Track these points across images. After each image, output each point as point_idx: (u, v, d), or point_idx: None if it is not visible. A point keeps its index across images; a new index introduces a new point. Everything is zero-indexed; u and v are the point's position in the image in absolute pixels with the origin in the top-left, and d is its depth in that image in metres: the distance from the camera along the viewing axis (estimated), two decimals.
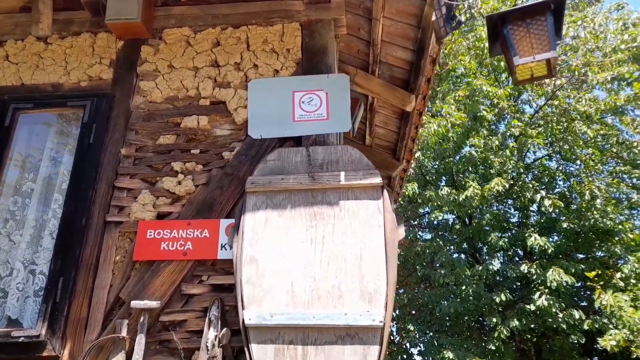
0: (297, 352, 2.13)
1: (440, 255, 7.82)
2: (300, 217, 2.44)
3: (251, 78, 2.91)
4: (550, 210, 8.03)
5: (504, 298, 7.35)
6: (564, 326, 7.33)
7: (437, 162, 9.73)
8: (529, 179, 9.14)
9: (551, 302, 7.20)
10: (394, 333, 9.47)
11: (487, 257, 9.00)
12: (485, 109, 9.05)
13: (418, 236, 9.44)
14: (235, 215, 2.47)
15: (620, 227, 8.36)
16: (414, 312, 9.03)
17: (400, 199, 9.03)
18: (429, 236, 9.59)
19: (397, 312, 9.03)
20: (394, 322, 9.50)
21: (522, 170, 9.01)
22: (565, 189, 9.56)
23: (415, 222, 9.99)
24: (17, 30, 3.10)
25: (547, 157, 10.26)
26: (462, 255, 8.18)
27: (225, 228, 2.52)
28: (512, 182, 8.39)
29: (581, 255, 8.79)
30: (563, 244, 8.32)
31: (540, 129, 9.29)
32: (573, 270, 7.51)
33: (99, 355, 2.23)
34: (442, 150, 9.29)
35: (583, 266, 7.83)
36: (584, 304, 8.43)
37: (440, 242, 8.49)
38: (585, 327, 7.18)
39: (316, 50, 2.98)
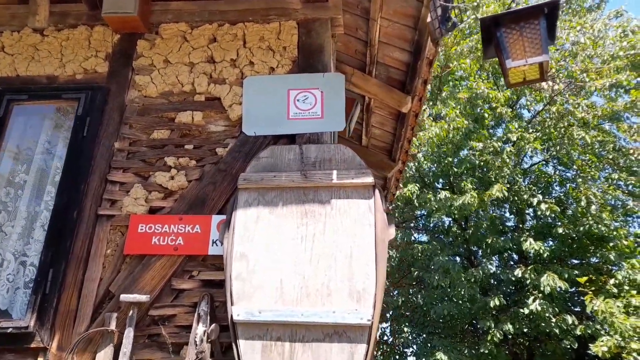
0: (285, 348, 2.14)
1: (436, 260, 7.83)
2: (291, 215, 2.44)
3: (247, 75, 2.91)
4: (547, 214, 8.05)
5: (497, 302, 7.37)
6: (557, 331, 7.35)
7: (435, 165, 9.75)
8: (526, 183, 9.16)
9: (544, 307, 7.21)
10: (388, 334, 9.49)
11: (482, 260, 9.01)
12: (486, 111, 9.07)
13: (414, 238, 9.45)
14: (227, 211, 2.47)
15: (615, 233, 8.38)
16: (407, 313, 9.04)
17: (397, 201, 9.06)
18: (425, 238, 9.60)
19: (391, 313, 9.04)
20: (388, 323, 9.51)
21: (519, 175, 9.04)
22: (562, 194, 9.58)
23: (412, 224, 10.00)
24: (13, 22, 3.10)
25: (544, 162, 10.28)
26: (458, 258, 8.19)
27: (217, 224, 2.52)
28: (508, 186, 8.40)
29: (575, 261, 8.81)
30: (558, 249, 8.33)
31: (537, 134, 9.32)
32: (567, 276, 7.53)
33: (87, 347, 2.24)
34: (441, 152, 9.30)
35: (577, 272, 7.85)
36: (577, 309, 8.46)
37: (437, 245, 8.50)
38: (578, 332, 7.20)
39: (313, 49, 2.99)
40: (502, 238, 8.22)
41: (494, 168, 8.66)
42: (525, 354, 8.49)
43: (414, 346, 8.85)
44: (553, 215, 8.08)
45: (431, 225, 9.96)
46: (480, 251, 9.44)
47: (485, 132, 9.06)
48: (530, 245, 7.69)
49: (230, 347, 2.20)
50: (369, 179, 2.53)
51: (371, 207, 2.47)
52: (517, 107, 10.48)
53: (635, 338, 6.22)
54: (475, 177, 8.90)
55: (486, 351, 7.41)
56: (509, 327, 7.23)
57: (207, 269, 2.46)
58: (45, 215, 2.62)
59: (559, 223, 8.33)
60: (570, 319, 7.24)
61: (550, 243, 8.61)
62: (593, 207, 8.36)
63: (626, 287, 7.47)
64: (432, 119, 9.21)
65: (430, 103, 9.84)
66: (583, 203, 8.47)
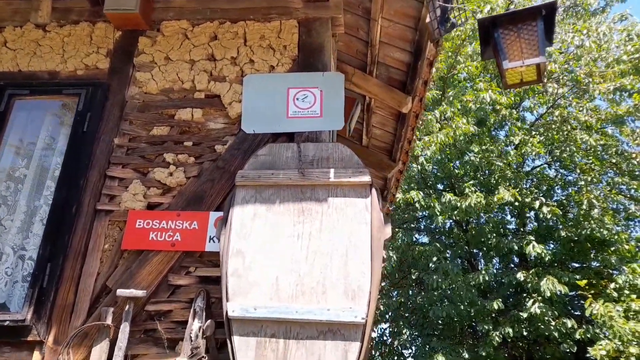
0: (279, 345, 2.15)
1: (436, 261, 7.83)
2: (288, 213, 2.45)
3: (247, 73, 2.92)
4: (549, 217, 8.03)
5: (496, 307, 7.35)
6: (556, 334, 7.33)
7: (437, 166, 9.74)
8: (527, 186, 9.15)
9: (544, 310, 7.20)
10: (387, 335, 9.48)
11: (483, 262, 9.01)
12: (490, 115, 9.07)
13: (415, 239, 9.45)
14: (224, 208, 2.48)
15: (616, 237, 8.36)
16: (407, 314, 9.04)
17: (399, 202, 9.05)
18: (426, 239, 9.60)
19: (391, 314, 9.03)
20: (388, 324, 9.50)
21: (522, 179, 9.03)
22: (563, 198, 9.56)
23: (413, 225, 9.99)
24: (16, 17, 3.12)
25: (547, 165, 10.26)
26: (459, 260, 8.18)
27: (214, 221, 2.54)
28: (507, 188, 8.39)
29: (576, 265, 8.79)
30: (559, 252, 8.32)
31: (540, 137, 9.30)
32: (567, 280, 7.51)
33: (83, 341, 2.25)
34: (444, 155, 9.30)
35: (578, 275, 7.83)
36: (577, 313, 8.44)
37: (439, 245, 8.50)
38: (577, 336, 7.19)
39: (313, 48, 3.00)
40: (504, 240, 8.20)
41: (497, 171, 8.65)
42: (525, 356, 8.47)
43: (413, 348, 8.85)
44: (555, 218, 8.06)
45: (432, 226, 9.95)
46: (481, 253, 9.43)
47: (487, 137, 9.06)
48: (534, 248, 7.68)
49: (226, 344, 2.21)
50: (366, 178, 2.53)
51: (367, 205, 2.48)
52: (520, 110, 10.46)
53: (634, 342, 6.20)
54: (477, 180, 8.89)
55: (485, 354, 7.39)
56: (508, 330, 7.21)
57: (204, 265, 2.47)
58: (44, 210, 2.64)
59: (561, 226, 8.31)
60: (569, 322, 7.23)
61: (552, 246, 8.60)
62: (595, 210, 8.34)
63: (626, 292, 7.45)
64: (437, 120, 9.21)
65: (432, 102, 9.83)
66: (585, 206, 8.46)
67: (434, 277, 7.74)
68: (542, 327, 7.28)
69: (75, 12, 3.13)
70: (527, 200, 8.21)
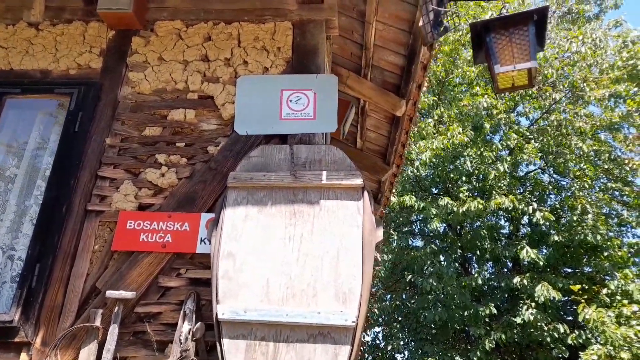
0: (269, 348, 2.14)
1: (430, 265, 7.84)
2: (280, 215, 2.44)
3: (240, 74, 2.92)
4: (541, 222, 8.07)
5: (488, 312, 7.37)
6: (549, 340, 7.35)
7: (431, 170, 9.77)
8: (521, 191, 9.20)
9: (537, 317, 7.22)
10: (380, 338, 9.47)
11: (476, 266, 9.03)
12: (486, 120, 9.11)
13: (410, 242, 9.46)
14: (216, 209, 2.47)
15: (609, 243, 8.41)
16: (400, 318, 9.04)
17: (394, 206, 9.06)
18: (420, 243, 9.61)
19: (384, 317, 9.02)
20: (381, 327, 9.49)
21: (515, 185, 9.07)
22: (557, 203, 9.61)
23: (407, 229, 10.01)
24: (8, 15, 3.10)
25: (540, 170, 10.32)
26: (452, 264, 8.19)
27: (205, 222, 2.53)
28: (505, 194, 8.43)
29: (569, 270, 8.83)
30: (552, 257, 8.35)
31: (535, 143, 9.35)
32: (561, 285, 7.54)
33: (71, 343, 2.23)
34: (439, 159, 9.33)
35: (571, 280, 7.87)
36: (570, 318, 8.47)
37: (434, 247, 8.51)
38: (570, 341, 7.21)
39: (307, 50, 3.00)
40: (498, 246, 8.23)
41: (491, 176, 8.69)
42: None
43: (406, 352, 8.84)
44: (548, 223, 8.10)
45: (427, 230, 9.97)
46: (474, 257, 9.45)
47: (481, 142, 9.09)
48: (527, 253, 7.70)
49: (216, 346, 2.19)
50: (358, 181, 2.53)
51: (359, 208, 2.48)
52: (515, 115, 10.52)
53: (626, 347, 6.23)
54: (472, 185, 8.92)
55: (477, 359, 7.40)
56: (500, 335, 7.23)
57: (195, 267, 2.46)
58: (34, 210, 2.61)
59: (554, 231, 8.35)
60: (562, 327, 7.25)
61: (545, 251, 8.63)
62: (588, 216, 8.39)
63: (618, 297, 7.49)
64: (433, 124, 9.25)
65: (428, 107, 9.86)
66: (578, 211, 8.51)
67: (429, 280, 7.75)
68: (535, 332, 7.30)
69: (68, 11, 3.12)
70: (521, 205, 8.25)
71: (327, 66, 3.79)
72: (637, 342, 6.29)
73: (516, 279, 7.58)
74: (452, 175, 9.24)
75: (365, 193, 2.54)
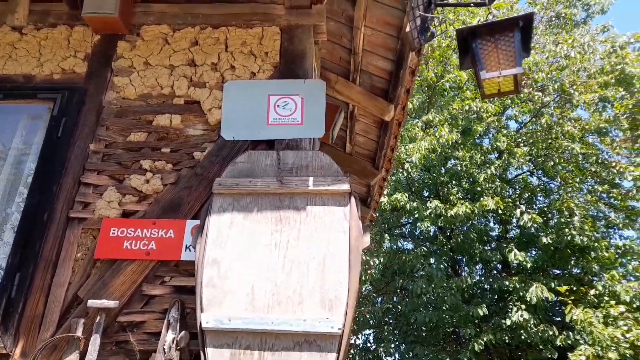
0: (254, 357, 2.12)
1: (420, 267, 7.86)
2: (266, 221, 2.43)
3: (227, 79, 2.90)
4: (529, 225, 8.14)
5: (480, 313, 7.41)
6: (538, 341, 7.41)
7: (422, 173, 9.81)
8: (510, 194, 9.27)
9: (527, 318, 7.27)
10: (371, 341, 9.47)
11: (466, 268, 9.07)
12: (475, 123, 9.18)
13: (400, 244, 9.49)
14: (201, 216, 2.45)
15: (596, 244, 8.51)
16: (391, 321, 9.05)
17: (384, 208, 9.08)
18: (410, 246, 9.64)
19: (375, 320, 9.03)
20: (372, 330, 9.49)
21: (504, 188, 9.14)
22: (545, 205, 9.70)
23: (398, 231, 10.03)
24: None
25: (529, 174, 10.42)
26: (442, 266, 8.24)
27: (191, 229, 2.50)
28: (493, 196, 8.49)
29: (557, 271, 8.91)
30: (541, 259, 8.43)
31: (524, 147, 9.44)
32: (553, 285, 7.61)
33: (52, 354, 2.19)
34: (429, 161, 9.37)
35: (559, 282, 7.93)
36: (558, 319, 8.54)
37: (423, 249, 8.54)
38: (558, 342, 7.27)
39: (295, 55, 2.99)
40: (487, 248, 8.28)
41: (479, 179, 8.76)
42: None
43: (396, 354, 8.85)
44: (536, 225, 8.18)
45: (417, 232, 10.01)
46: (464, 260, 9.51)
47: (471, 145, 9.16)
48: (515, 256, 7.77)
49: (200, 356, 2.17)
50: (345, 187, 2.52)
51: (346, 214, 2.47)
52: (504, 119, 10.61)
53: (613, 348, 6.30)
54: (462, 187, 8.98)
55: None
56: (490, 337, 7.26)
57: (180, 274, 2.43)
58: (16, 217, 2.56)
59: (542, 234, 8.43)
60: (551, 329, 7.31)
61: (533, 253, 8.70)
62: (576, 218, 8.48)
63: (606, 298, 7.57)
64: (422, 128, 9.29)
65: (417, 109, 9.90)
66: (566, 214, 8.60)
67: (419, 283, 7.77)
68: (524, 334, 7.35)
69: (53, 15, 3.08)
70: (510, 207, 8.32)
71: (316, 71, 3.79)
72: (624, 342, 6.36)
73: (507, 282, 7.63)
74: (442, 179, 9.28)
75: (352, 199, 2.54)
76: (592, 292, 7.72)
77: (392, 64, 3.77)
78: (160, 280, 2.40)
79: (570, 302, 6.70)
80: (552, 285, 7.68)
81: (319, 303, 2.23)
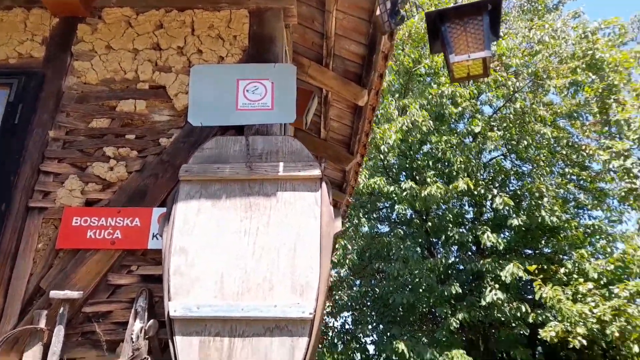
0: (224, 344, 2.10)
1: (396, 250, 7.99)
2: (234, 208, 2.39)
3: (194, 63, 2.82)
4: (501, 207, 8.34)
5: (453, 292, 7.60)
6: (511, 319, 7.66)
7: (398, 158, 9.89)
8: (484, 177, 9.45)
9: (501, 298, 7.49)
10: (350, 323, 9.62)
11: (441, 251, 9.26)
12: (451, 110, 9.28)
13: (376, 229, 9.60)
14: (167, 203, 2.40)
15: (566, 225, 8.79)
16: (369, 303, 9.20)
17: (361, 192, 9.13)
18: (387, 229, 9.77)
19: (353, 303, 9.16)
20: (350, 312, 9.63)
21: (479, 170, 9.31)
22: (518, 188, 9.93)
23: (375, 216, 10.14)
24: None
25: (502, 157, 10.63)
26: (418, 249, 8.39)
27: (157, 217, 2.45)
28: (472, 180, 8.64)
29: (529, 251, 9.19)
30: (513, 240, 8.66)
31: (498, 131, 9.60)
32: (526, 265, 7.84)
33: (14, 347, 2.13)
34: (406, 146, 9.44)
35: (531, 262, 8.18)
36: (530, 297, 8.84)
37: (400, 232, 8.68)
38: (530, 320, 7.53)
39: (264, 39, 2.92)
40: (461, 230, 8.46)
41: (456, 162, 8.89)
42: (480, 340, 8.81)
43: (374, 335, 9.02)
44: (508, 208, 8.38)
45: (393, 216, 10.14)
46: (440, 242, 9.71)
47: (447, 129, 9.27)
48: (488, 238, 7.96)
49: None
50: (316, 172, 2.51)
51: (317, 199, 2.46)
52: (479, 104, 10.75)
53: (581, 323, 6.56)
54: (438, 171, 9.11)
55: (443, 338, 7.63)
56: (465, 315, 7.47)
57: (147, 263, 2.39)
58: None
59: (514, 215, 8.65)
60: (523, 307, 7.56)
61: (506, 234, 8.93)
62: (545, 199, 8.72)
63: (575, 276, 7.86)
64: (398, 112, 9.33)
65: (397, 96, 9.94)
66: (537, 196, 8.83)
67: (396, 265, 7.89)
68: (498, 313, 7.58)
69: None
70: (483, 190, 8.49)
71: (288, 55, 3.73)
72: (592, 317, 6.64)
73: (480, 263, 7.83)
74: (419, 162, 9.38)
75: (324, 184, 2.52)
76: (562, 270, 8.00)
77: (365, 49, 3.74)
78: (127, 270, 2.36)
79: (539, 280, 6.93)
80: (525, 265, 7.92)
81: (290, 289, 2.23)
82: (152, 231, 2.41)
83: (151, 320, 2.20)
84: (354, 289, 8.74)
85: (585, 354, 8.25)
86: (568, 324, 6.69)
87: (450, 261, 8.77)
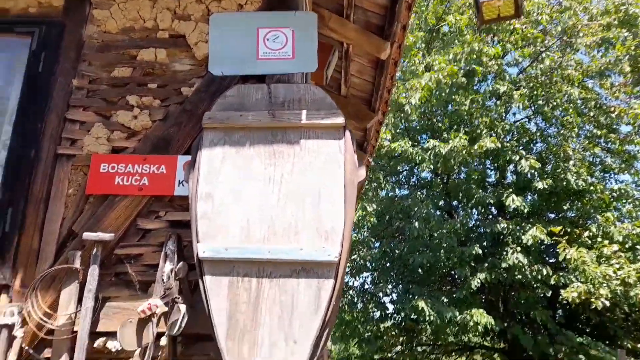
0: (252, 284, 2.15)
1: (418, 210, 7.94)
2: (258, 155, 2.39)
3: (213, 11, 2.76)
4: (527, 170, 8.16)
5: (474, 252, 7.58)
6: (532, 281, 7.62)
7: (421, 118, 9.69)
8: (508, 139, 9.22)
9: (521, 260, 7.43)
10: (369, 283, 9.77)
11: (461, 214, 9.19)
12: (477, 68, 8.99)
13: (396, 192, 9.57)
14: (192, 151, 2.40)
15: (592, 188, 8.57)
16: (388, 264, 9.28)
17: (382, 156, 9.04)
18: (407, 192, 9.72)
19: (372, 264, 9.26)
20: (369, 274, 9.76)
21: (505, 130, 9.07)
22: (543, 150, 9.68)
23: (395, 179, 10.09)
24: None
25: (527, 120, 10.32)
26: (438, 212, 8.33)
27: (182, 165, 2.47)
28: (495, 138, 8.41)
29: (552, 215, 9.04)
30: (536, 204, 8.51)
31: (524, 90, 9.27)
32: (548, 229, 7.73)
33: (51, 285, 2.22)
34: (428, 107, 9.22)
35: (554, 225, 8.04)
36: (552, 260, 8.77)
37: (420, 194, 8.64)
38: (552, 282, 7.48)
39: None
40: (483, 193, 8.33)
41: (481, 122, 8.69)
42: (500, 301, 8.85)
43: (394, 295, 9.14)
44: (533, 171, 8.20)
45: (414, 179, 10.06)
46: (460, 205, 9.62)
47: (472, 89, 8.99)
48: (513, 200, 7.82)
49: (199, 286, 2.20)
50: (339, 120, 2.47)
51: (341, 147, 2.43)
52: (504, 65, 10.35)
53: (605, 284, 6.50)
54: (461, 132, 8.93)
55: (463, 298, 7.68)
56: (485, 276, 7.47)
57: (174, 209, 2.42)
58: (3, 155, 2.51)
59: (539, 178, 8.47)
60: (545, 269, 7.50)
61: (529, 198, 8.78)
62: (571, 162, 8.49)
63: (599, 239, 7.73)
64: (421, 56, 9.09)
65: (421, 55, 9.64)
66: (563, 158, 8.59)
67: (415, 224, 7.88)
68: (519, 274, 7.55)
69: None
70: (508, 153, 8.31)
71: (307, 6, 3.61)
72: (616, 279, 6.57)
73: (502, 224, 7.75)
74: (440, 125, 9.20)
75: (347, 132, 2.49)
76: (586, 233, 7.87)
77: None
78: (155, 215, 2.40)
79: (564, 241, 6.84)
80: (547, 229, 7.80)
81: (315, 234, 2.23)
82: (178, 178, 2.43)
83: (180, 263, 2.25)
84: (374, 250, 8.79)
85: (607, 317, 8.23)
86: (591, 286, 6.63)
87: (470, 224, 8.72)
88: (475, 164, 9.11)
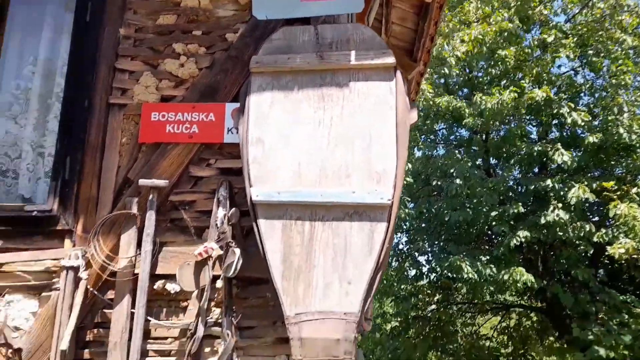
0: (305, 227, 2.15)
1: (458, 168, 7.71)
2: (307, 99, 2.33)
3: None
4: (579, 123, 7.72)
5: (515, 211, 7.37)
6: (574, 238, 7.37)
7: (461, 74, 9.28)
8: (554, 92, 8.70)
9: (563, 217, 7.17)
10: (404, 242, 9.76)
11: (500, 172, 8.90)
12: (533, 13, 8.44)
13: (435, 152, 9.34)
14: (240, 97, 2.37)
15: None
16: (423, 225, 9.20)
17: (423, 112, 8.77)
18: (442, 152, 9.46)
19: (409, 224, 9.20)
20: (405, 233, 9.73)
21: (552, 81, 8.57)
22: (591, 103, 9.11)
23: (432, 138, 9.83)
24: None
25: (574, 72, 9.68)
26: (476, 171, 8.08)
27: (231, 112, 2.44)
28: (547, 88, 7.96)
29: (598, 172, 8.62)
30: (582, 160, 8.10)
31: (573, 39, 8.63)
32: (593, 187, 7.39)
33: (111, 229, 2.30)
34: (474, 60, 8.76)
35: (601, 182, 7.66)
36: (596, 218, 8.43)
37: (457, 153, 8.39)
38: (595, 239, 7.21)
39: None
40: (531, 147, 7.97)
41: (527, 75, 8.22)
42: (540, 260, 8.68)
43: (430, 254, 9.11)
44: (582, 123, 7.76)
45: (452, 138, 9.77)
46: (499, 164, 9.30)
47: (517, 38, 8.48)
48: (562, 155, 7.44)
49: (251, 231, 2.22)
50: (390, 60, 2.36)
51: (392, 89, 2.34)
52: (551, 14, 9.62)
53: None
54: (501, 86, 8.50)
55: (500, 256, 7.56)
56: (525, 233, 7.28)
57: (224, 157, 2.43)
58: (57, 107, 2.56)
59: (587, 133, 8.01)
60: (588, 226, 7.23)
61: (575, 154, 8.35)
62: (625, 115, 7.96)
63: None
64: (473, 12, 8.60)
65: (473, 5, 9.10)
66: (614, 111, 8.06)
67: (457, 180, 7.69)
68: (560, 231, 7.31)
69: None
70: (557, 105, 7.88)
71: None
72: None
73: (548, 182, 7.44)
74: (482, 79, 8.78)
75: (398, 73, 2.39)
76: (634, 190, 7.47)
77: None
78: (206, 163, 2.42)
79: (615, 197, 6.54)
80: (593, 186, 7.45)
81: (367, 176, 2.20)
82: (227, 126, 2.42)
83: (233, 209, 2.27)
84: (409, 209, 8.69)
85: None
86: (639, 242, 6.37)
87: (510, 183, 8.44)
88: (517, 120, 8.70)
